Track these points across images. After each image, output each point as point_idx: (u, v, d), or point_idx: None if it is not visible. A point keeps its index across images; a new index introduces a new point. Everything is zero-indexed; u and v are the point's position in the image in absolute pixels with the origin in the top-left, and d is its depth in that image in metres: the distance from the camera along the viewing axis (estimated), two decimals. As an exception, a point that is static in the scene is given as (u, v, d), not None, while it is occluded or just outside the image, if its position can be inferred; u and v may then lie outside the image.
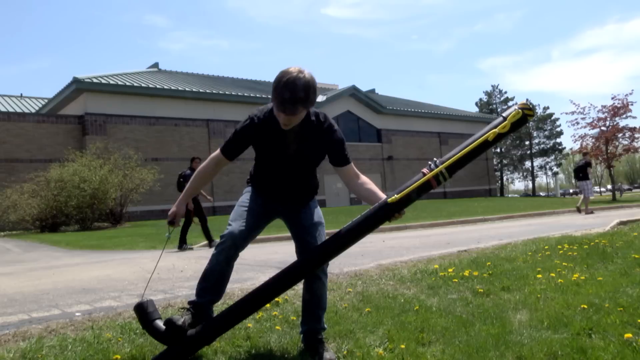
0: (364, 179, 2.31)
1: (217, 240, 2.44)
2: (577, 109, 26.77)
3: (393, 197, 2.07)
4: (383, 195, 2.17)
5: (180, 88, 23.22)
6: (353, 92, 29.76)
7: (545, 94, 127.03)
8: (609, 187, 42.07)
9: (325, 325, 2.43)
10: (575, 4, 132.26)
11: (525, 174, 53.97)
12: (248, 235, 2.28)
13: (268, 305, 2.97)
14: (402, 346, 2.24)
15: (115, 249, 9.12)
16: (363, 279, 4.01)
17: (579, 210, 13.50)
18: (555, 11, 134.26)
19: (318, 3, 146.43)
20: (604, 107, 26.15)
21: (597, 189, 54.38)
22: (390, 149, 31.17)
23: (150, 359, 2.18)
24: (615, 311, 2.65)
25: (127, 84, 21.81)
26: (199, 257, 6.58)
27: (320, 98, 27.54)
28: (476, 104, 53.80)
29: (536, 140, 51.10)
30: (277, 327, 2.64)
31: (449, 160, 2.09)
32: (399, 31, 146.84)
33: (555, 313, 2.71)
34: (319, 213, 2.43)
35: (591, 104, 31.73)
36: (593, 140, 26.58)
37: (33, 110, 24.70)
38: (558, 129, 50.76)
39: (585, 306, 2.78)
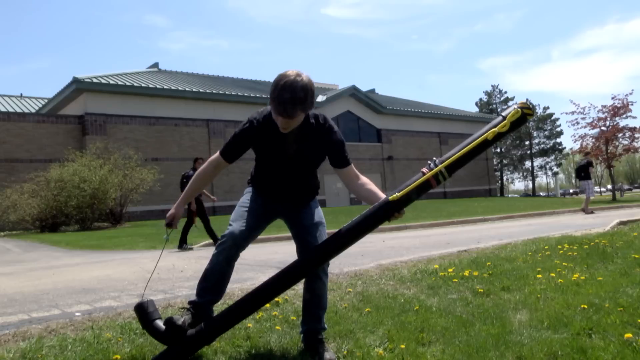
0: (364, 179, 2.31)
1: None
2: (577, 109, 26.78)
3: (394, 195, 2.08)
4: (383, 195, 2.17)
5: (180, 88, 23.23)
6: (353, 92, 29.77)
7: (545, 94, 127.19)
8: (609, 187, 42.04)
9: (326, 326, 2.43)
10: (575, 4, 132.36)
11: (525, 174, 53.98)
12: (249, 235, 2.28)
13: (268, 305, 2.97)
14: (402, 346, 2.24)
15: (115, 249, 9.12)
16: (363, 279, 4.01)
17: (590, 212, 13.50)
18: (555, 11, 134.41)
19: (318, 3, 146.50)
20: (604, 107, 26.15)
21: (597, 189, 54.35)
22: (390, 149, 31.18)
23: (150, 359, 2.18)
24: (615, 311, 2.65)
25: (127, 84, 21.82)
26: (199, 257, 6.58)
27: (320, 98, 27.56)
28: (476, 104, 53.86)
29: (536, 140, 51.12)
30: (277, 327, 2.64)
31: (449, 160, 2.09)
32: (399, 31, 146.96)
33: (555, 313, 2.71)
34: (319, 213, 2.43)
35: (591, 104, 31.73)
36: (593, 140, 26.56)
37: (33, 110, 24.70)
38: (558, 129, 50.78)
39: (585, 306, 2.78)
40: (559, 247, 5.17)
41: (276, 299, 3.05)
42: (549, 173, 55.27)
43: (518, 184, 71.16)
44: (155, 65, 29.61)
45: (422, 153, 31.61)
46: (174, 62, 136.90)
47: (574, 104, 34.28)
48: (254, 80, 32.72)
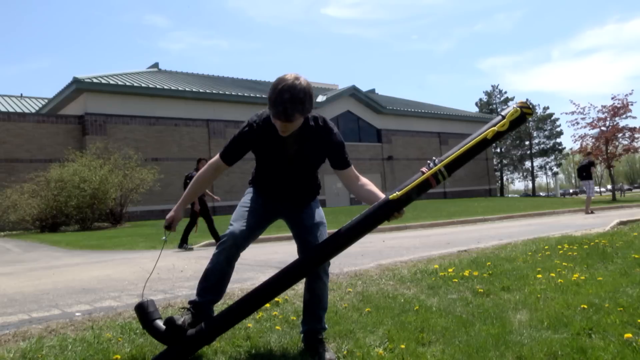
0: (363, 180, 2.31)
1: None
2: (577, 109, 26.78)
3: (395, 194, 2.08)
4: (383, 196, 2.18)
5: (180, 88, 23.23)
6: (353, 92, 29.76)
7: (545, 94, 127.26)
8: (609, 187, 42.05)
9: (326, 326, 2.43)
10: (575, 4, 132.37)
11: (525, 174, 53.98)
12: (249, 235, 2.28)
13: (268, 305, 2.97)
14: (402, 346, 2.24)
15: (115, 249, 9.12)
16: (363, 279, 4.01)
17: (591, 212, 13.50)
18: (555, 11, 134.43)
19: (318, 3, 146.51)
20: (604, 107, 26.14)
21: (597, 189, 54.36)
22: (390, 149, 31.18)
23: (150, 359, 2.18)
24: (615, 311, 2.65)
25: (127, 84, 21.82)
26: (199, 257, 6.58)
27: (320, 98, 27.56)
28: (476, 104, 53.86)
29: (536, 140, 51.12)
30: (277, 327, 2.64)
31: (448, 159, 2.09)
32: (399, 31, 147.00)
33: (555, 313, 2.71)
34: (320, 213, 2.43)
35: (591, 104, 31.75)
36: (593, 140, 26.56)
37: (33, 110, 24.70)
38: (558, 129, 50.78)
39: (585, 306, 2.78)
40: (559, 247, 5.17)
41: (276, 299, 3.05)
42: (549, 173, 55.31)
43: (518, 184, 71.24)
44: (155, 65, 29.61)
45: (422, 153, 31.61)
46: (174, 62, 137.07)
47: (574, 104, 34.31)
48: (254, 80, 32.72)
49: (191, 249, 8.18)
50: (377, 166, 30.27)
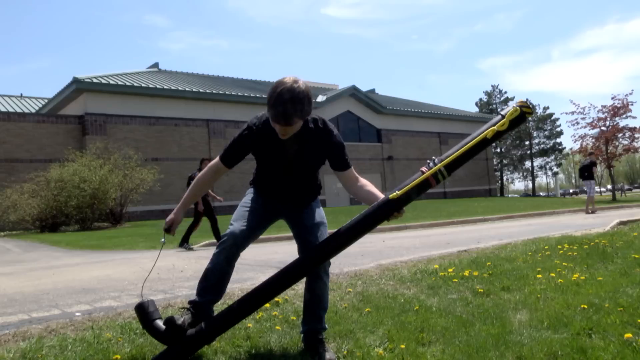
0: (363, 181, 2.32)
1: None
2: (577, 109, 26.78)
3: (395, 193, 2.08)
4: (382, 196, 2.18)
5: (180, 88, 23.22)
6: (353, 92, 29.76)
7: (545, 94, 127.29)
8: (609, 187, 42.06)
9: (326, 326, 2.43)
10: (575, 4, 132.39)
11: (525, 174, 53.98)
12: (249, 235, 2.29)
13: (268, 305, 2.97)
14: (402, 346, 2.24)
15: (115, 249, 9.12)
16: (363, 279, 4.01)
17: (593, 212, 13.51)
18: (555, 11, 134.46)
19: (318, 3, 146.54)
20: (604, 107, 26.14)
21: (597, 189, 54.36)
22: (390, 149, 31.17)
23: (150, 359, 2.18)
24: (615, 311, 2.65)
25: (127, 84, 21.81)
26: (199, 257, 6.58)
27: (320, 98, 27.56)
28: (476, 104, 53.86)
29: (536, 140, 51.11)
30: (277, 327, 2.64)
31: (448, 159, 2.09)
32: (399, 31, 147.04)
33: (555, 313, 2.71)
34: (320, 213, 2.43)
35: (591, 104, 31.72)
36: (593, 140, 26.56)
37: (33, 110, 24.70)
38: (558, 129, 50.78)
39: (585, 306, 2.78)
40: (559, 247, 5.18)
41: (276, 299, 3.05)
42: (549, 173, 55.31)
43: (518, 184, 71.24)
44: (155, 65, 29.60)
45: (422, 153, 31.60)
46: (174, 62, 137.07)
47: (574, 104, 34.29)
48: (254, 80, 32.72)
49: (191, 249, 8.18)
50: (377, 166, 30.26)
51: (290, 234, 2.47)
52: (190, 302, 2.30)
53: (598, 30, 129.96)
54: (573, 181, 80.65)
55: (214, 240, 8.45)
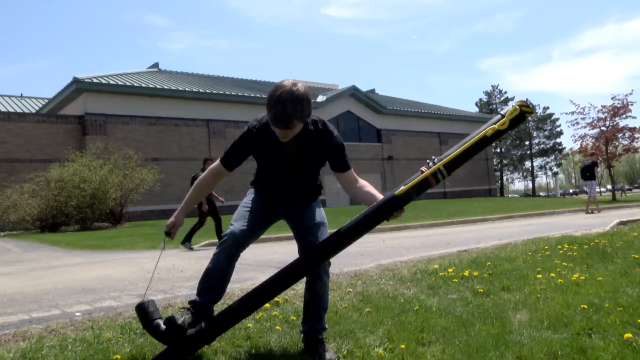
0: (362, 182, 2.32)
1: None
2: (577, 109, 26.80)
3: (400, 189, 2.08)
4: (381, 197, 2.18)
5: (180, 88, 23.22)
6: (353, 92, 29.76)
7: (545, 94, 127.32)
8: (609, 187, 42.06)
9: (326, 326, 2.43)
10: (575, 4, 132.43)
11: (525, 174, 53.97)
12: (249, 235, 2.29)
13: (268, 305, 2.97)
14: (402, 346, 2.24)
15: (115, 249, 9.12)
16: (363, 279, 4.01)
17: (598, 211, 13.51)
18: (555, 11, 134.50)
19: (318, 3, 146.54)
20: (604, 107, 26.16)
21: (597, 189, 54.37)
22: (390, 149, 31.17)
23: (150, 359, 2.18)
24: (615, 311, 2.65)
25: (127, 84, 21.81)
26: (199, 257, 6.58)
27: (320, 98, 27.56)
28: (476, 104, 53.84)
29: (536, 140, 51.10)
30: (277, 327, 2.64)
31: (447, 158, 2.09)
32: (399, 31, 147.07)
33: (555, 313, 2.71)
34: (321, 213, 2.43)
35: (591, 104, 31.74)
36: (593, 140, 26.57)
37: (33, 110, 24.70)
38: (558, 129, 50.77)
39: (585, 306, 2.78)
40: (559, 247, 5.18)
41: (276, 299, 3.05)
42: (549, 173, 55.30)
43: (518, 184, 71.23)
44: (155, 65, 29.60)
45: (422, 153, 31.60)
46: (174, 62, 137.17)
47: (574, 104, 34.29)
48: (254, 80, 32.69)
49: (192, 249, 8.18)
50: (377, 166, 30.26)
51: (290, 234, 2.47)
52: (190, 302, 2.30)
53: (598, 30, 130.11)
54: (573, 181, 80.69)
55: (215, 240, 8.45)
